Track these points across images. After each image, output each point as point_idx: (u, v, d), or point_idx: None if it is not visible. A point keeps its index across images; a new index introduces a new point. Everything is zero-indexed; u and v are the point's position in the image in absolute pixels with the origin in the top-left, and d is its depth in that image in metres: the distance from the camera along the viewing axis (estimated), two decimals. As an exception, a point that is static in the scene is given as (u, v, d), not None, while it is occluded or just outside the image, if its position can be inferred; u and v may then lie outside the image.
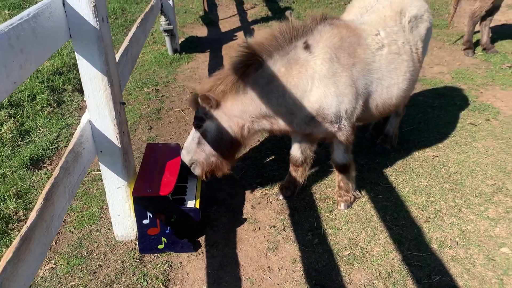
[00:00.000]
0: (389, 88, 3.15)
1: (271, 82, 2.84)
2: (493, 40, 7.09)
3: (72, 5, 2.27)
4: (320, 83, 2.85)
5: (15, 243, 1.71)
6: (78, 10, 2.29)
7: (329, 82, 2.85)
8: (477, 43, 6.99)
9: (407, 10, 3.36)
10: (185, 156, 3.13)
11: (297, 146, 3.45)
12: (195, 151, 3.08)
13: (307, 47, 2.86)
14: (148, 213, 2.87)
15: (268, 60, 2.83)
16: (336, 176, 3.49)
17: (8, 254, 1.66)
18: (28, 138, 4.32)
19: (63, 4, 2.25)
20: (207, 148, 3.04)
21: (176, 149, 3.31)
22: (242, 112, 2.90)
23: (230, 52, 6.84)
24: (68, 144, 4.24)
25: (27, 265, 1.77)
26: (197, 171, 3.15)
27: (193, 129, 3.08)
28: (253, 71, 2.83)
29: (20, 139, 4.29)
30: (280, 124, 3.00)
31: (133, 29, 4.01)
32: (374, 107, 3.17)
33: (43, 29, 1.98)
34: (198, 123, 2.99)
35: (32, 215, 1.88)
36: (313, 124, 2.98)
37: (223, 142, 3.01)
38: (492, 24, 7.49)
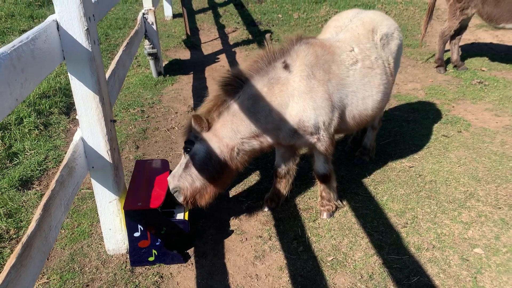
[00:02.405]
0: (364, 100, 3.37)
1: (256, 102, 3.01)
2: (463, 57, 7.47)
3: (65, 29, 2.43)
4: (299, 99, 3.05)
5: (17, 249, 1.82)
6: (71, 33, 2.45)
7: (307, 97, 3.06)
8: (449, 61, 7.35)
9: (379, 28, 3.63)
10: (171, 182, 3.12)
11: (280, 158, 3.62)
12: (181, 175, 3.09)
13: (286, 66, 3.07)
14: (139, 226, 2.98)
15: (249, 81, 3.02)
16: (318, 187, 3.65)
17: (11, 259, 1.77)
18: (16, 160, 4.40)
19: (58, 28, 2.41)
20: (194, 172, 3.06)
21: (164, 165, 3.45)
22: (233, 132, 3.01)
23: (213, 73, 7.05)
24: (56, 165, 4.35)
25: (28, 270, 1.88)
26: (180, 198, 3.13)
27: (182, 157, 3.14)
28: (236, 92, 3.01)
29: (8, 161, 4.36)
30: (268, 141, 3.16)
31: (120, 52, 4.17)
32: (351, 118, 3.39)
33: (40, 51, 2.14)
34: (188, 146, 3.05)
35: (32, 224, 1.99)
36: (296, 136, 3.17)
37: (211, 164, 3.05)
38: (462, 43, 7.91)
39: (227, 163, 3.07)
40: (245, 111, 3.01)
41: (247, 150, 3.13)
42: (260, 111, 3.03)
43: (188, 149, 3.07)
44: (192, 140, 3.06)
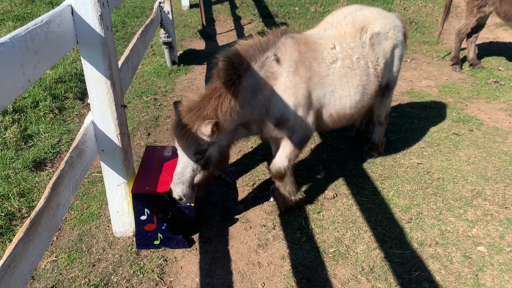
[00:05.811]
0: (341, 100, 3.37)
1: (255, 95, 3.01)
2: (480, 56, 7.37)
3: (80, 14, 2.49)
4: (283, 94, 3.08)
5: (25, 224, 1.89)
6: (85, 18, 2.51)
7: (290, 93, 3.08)
8: (465, 59, 7.26)
9: (369, 27, 3.54)
10: (181, 189, 2.99)
11: (276, 149, 3.62)
12: (192, 180, 3.01)
13: (277, 60, 3.08)
14: (146, 210, 3.05)
15: (249, 70, 2.98)
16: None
17: (19, 233, 1.84)
18: (31, 142, 4.51)
19: (72, 13, 2.47)
20: (202, 173, 3.04)
21: (173, 152, 3.51)
22: (234, 124, 3.00)
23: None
24: (69, 149, 4.44)
25: (35, 245, 1.95)
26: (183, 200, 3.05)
27: (187, 160, 2.96)
28: (237, 82, 2.90)
29: (23, 143, 4.48)
30: (253, 131, 3.20)
31: (134, 40, 4.24)
32: (328, 116, 3.39)
33: (54, 35, 2.20)
34: (201, 156, 2.94)
35: (40, 202, 2.06)
36: (276, 130, 3.21)
37: (221, 158, 3.08)
38: (480, 42, 7.81)
39: (228, 150, 3.16)
40: (245, 103, 2.96)
41: (240, 137, 3.20)
42: (256, 104, 3.03)
43: (201, 158, 2.96)
44: (205, 148, 2.93)
